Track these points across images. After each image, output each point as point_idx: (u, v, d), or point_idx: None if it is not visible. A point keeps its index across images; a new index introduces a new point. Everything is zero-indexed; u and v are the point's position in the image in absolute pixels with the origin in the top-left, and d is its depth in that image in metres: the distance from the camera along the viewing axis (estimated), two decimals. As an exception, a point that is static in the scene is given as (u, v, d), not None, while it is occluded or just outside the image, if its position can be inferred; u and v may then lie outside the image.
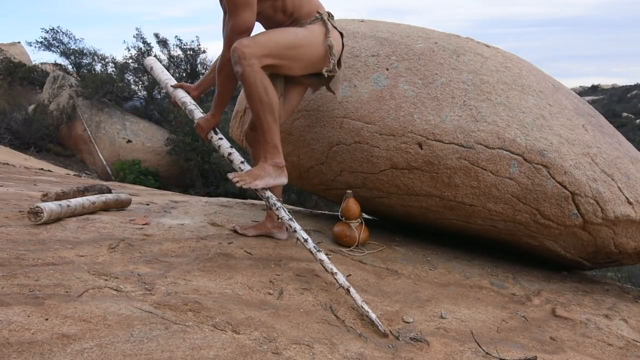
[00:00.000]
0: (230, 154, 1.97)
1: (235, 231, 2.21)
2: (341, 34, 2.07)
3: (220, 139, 2.02)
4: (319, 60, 1.97)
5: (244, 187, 1.84)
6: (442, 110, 2.23)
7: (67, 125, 10.66)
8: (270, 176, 1.87)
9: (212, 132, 2.03)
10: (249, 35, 1.83)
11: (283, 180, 1.93)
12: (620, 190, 2.22)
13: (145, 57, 11.52)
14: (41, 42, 11.75)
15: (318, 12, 1.99)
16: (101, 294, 1.37)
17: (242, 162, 1.94)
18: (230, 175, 1.88)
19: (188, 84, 2.23)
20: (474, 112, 2.21)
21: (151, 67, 2.33)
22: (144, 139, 10.39)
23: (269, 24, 2.00)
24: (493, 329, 1.65)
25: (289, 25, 1.97)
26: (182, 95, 2.17)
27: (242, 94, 2.87)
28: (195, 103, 2.15)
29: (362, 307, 1.53)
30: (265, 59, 1.78)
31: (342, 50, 2.09)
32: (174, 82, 2.23)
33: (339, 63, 2.07)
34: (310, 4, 1.99)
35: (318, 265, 1.91)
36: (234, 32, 1.80)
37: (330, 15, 2.05)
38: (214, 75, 2.02)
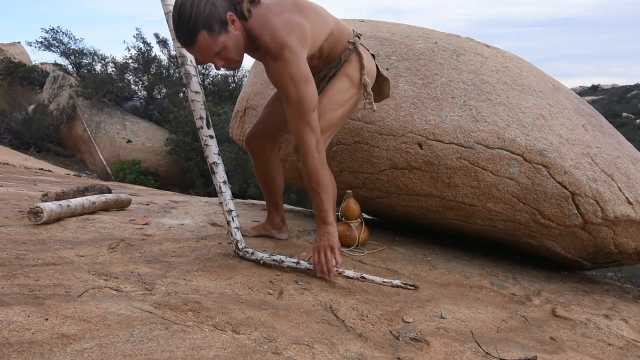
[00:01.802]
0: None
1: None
2: (373, 55, 2.00)
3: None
4: (359, 100, 1.96)
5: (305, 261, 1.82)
6: (442, 110, 2.23)
7: (67, 125, 10.66)
8: (327, 244, 1.78)
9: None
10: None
11: (336, 246, 1.88)
12: (620, 190, 2.22)
13: (145, 57, 11.53)
14: (41, 42, 11.74)
15: (349, 42, 1.89)
16: (101, 294, 1.37)
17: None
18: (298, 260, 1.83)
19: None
20: (474, 112, 2.21)
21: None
22: (144, 139, 10.39)
23: None
24: (493, 329, 1.65)
25: (322, 66, 1.89)
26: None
27: (241, 94, 2.87)
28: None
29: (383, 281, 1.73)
30: (325, 144, 1.83)
31: (377, 71, 2.02)
32: None
33: (378, 78, 2.03)
34: (342, 39, 1.87)
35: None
36: (308, 111, 1.63)
37: (358, 36, 1.94)
38: None
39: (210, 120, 1.85)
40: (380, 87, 2.08)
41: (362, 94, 1.93)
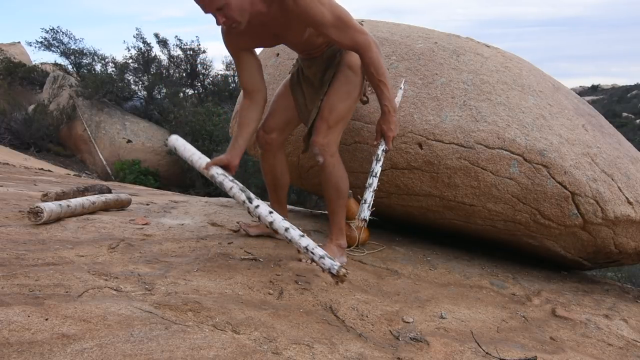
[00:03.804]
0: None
1: (239, 226, 2.24)
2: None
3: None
4: (362, 87, 1.99)
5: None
6: (442, 110, 2.23)
7: (67, 125, 10.66)
8: (337, 257, 1.93)
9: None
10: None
11: (343, 260, 1.98)
12: (620, 190, 2.22)
13: (145, 57, 11.52)
14: (41, 42, 11.74)
15: None
16: (101, 294, 1.37)
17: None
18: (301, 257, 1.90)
19: (220, 157, 1.84)
20: (474, 112, 2.21)
21: (174, 148, 1.91)
22: (144, 139, 10.39)
23: (307, 46, 1.90)
24: (493, 329, 1.65)
25: (325, 47, 1.91)
26: (216, 173, 1.76)
27: (241, 94, 2.87)
28: (231, 178, 1.76)
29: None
30: (339, 138, 1.93)
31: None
32: (205, 160, 1.81)
33: None
34: None
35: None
36: (348, 19, 1.69)
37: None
38: (247, 134, 1.89)
39: (251, 195, 1.67)
40: None
41: (363, 79, 1.95)
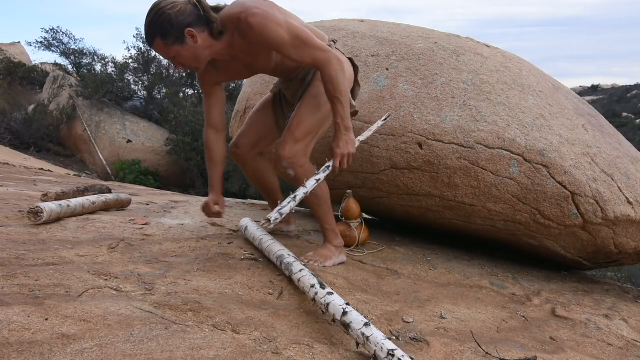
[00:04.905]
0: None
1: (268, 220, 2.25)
2: (350, 59, 1.99)
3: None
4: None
5: (320, 266, 1.90)
6: (442, 110, 2.23)
7: (67, 125, 10.65)
8: (336, 256, 1.98)
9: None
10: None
11: (343, 258, 2.02)
12: (620, 190, 2.22)
13: (145, 57, 11.50)
14: (41, 42, 11.74)
15: None
16: (101, 294, 1.37)
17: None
18: (306, 261, 1.90)
19: (208, 201, 1.99)
20: (474, 112, 2.21)
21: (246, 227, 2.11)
22: (144, 139, 10.38)
23: (281, 71, 1.94)
24: (493, 329, 1.65)
25: (300, 69, 1.93)
26: (287, 254, 1.76)
27: (241, 94, 2.87)
28: (305, 263, 1.76)
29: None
30: (309, 149, 1.89)
31: (357, 73, 2.02)
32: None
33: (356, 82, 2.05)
34: None
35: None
36: (307, 37, 1.70)
37: (333, 41, 1.98)
38: (220, 172, 2.01)
39: (324, 283, 1.51)
40: (352, 90, 2.03)
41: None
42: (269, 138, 2.12)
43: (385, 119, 2.15)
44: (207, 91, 1.95)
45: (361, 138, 1.98)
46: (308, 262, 1.91)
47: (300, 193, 1.60)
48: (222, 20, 1.68)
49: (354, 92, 2.04)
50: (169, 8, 1.61)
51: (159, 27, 1.62)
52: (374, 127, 2.08)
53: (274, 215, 1.46)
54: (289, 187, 2.02)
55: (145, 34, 1.67)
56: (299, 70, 1.94)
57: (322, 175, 1.72)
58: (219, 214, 1.99)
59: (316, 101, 1.88)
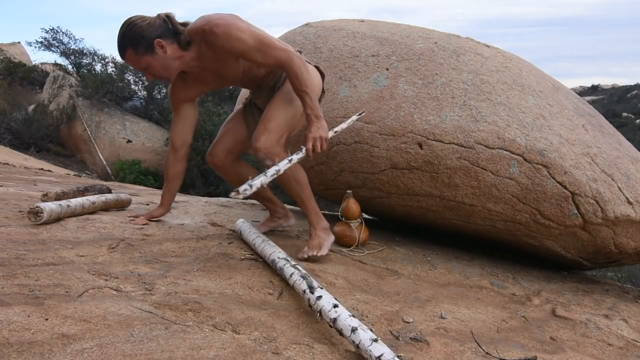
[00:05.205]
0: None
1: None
2: (317, 67, 2.09)
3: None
4: None
5: (318, 254, 1.97)
6: (442, 110, 2.23)
7: (67, 125, 10.65)
8: (326, 240, 2.05)
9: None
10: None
11: (332, 238, 2.10)
12: (620, 190, 2.22)
13: None
14: (41, 42, 11.73)
15: None
16: (101, 294, 1.37)
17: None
18: (305, 255, 1.96)
19: (154, 213, 2.26)
20: (474, 112, 2.21)
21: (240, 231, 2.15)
22: (144, 139, 10.38)
23: (250, 79, 2.02)
24: (493, 329, 1.65)
25: (270, 78, 2.03)
26: (277, 257, 1.75)
27: (241, 94, 2.87)
28: (293, 263, 1.68)
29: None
30: (282, 140, 1.93)
31: (323, 81, 2.11)
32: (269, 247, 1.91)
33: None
34: None
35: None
36: (268, 40, 1.80)
37: (299, 51, 2.05)
38: (174, 189, 2.23)
39: (314, 283, 1.49)
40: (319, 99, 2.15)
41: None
42: (242, 143, 2.18)
43: (360, 115, 2.17)
44: (175, 108, 2.08)
45: (336, 129, 2.02)
46: (308, 258, 1.95)
47: (272, 170, 1.63)
48: (189, 33, 1.79)
49: (320, 100, 2.10)
50: (140, 21, 1.75)
51: (130, 39, 1.75)
52: (349, 121, 2.11)
53: (242, 187, 1.49)
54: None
55: (118, 47, 1.78)
56: (269, 79, 2.03)
57: (294, 157, 1.75)
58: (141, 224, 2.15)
59: (288, 97, 1.94)
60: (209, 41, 1.76)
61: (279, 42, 1.83)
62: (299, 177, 2.02)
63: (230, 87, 11.76)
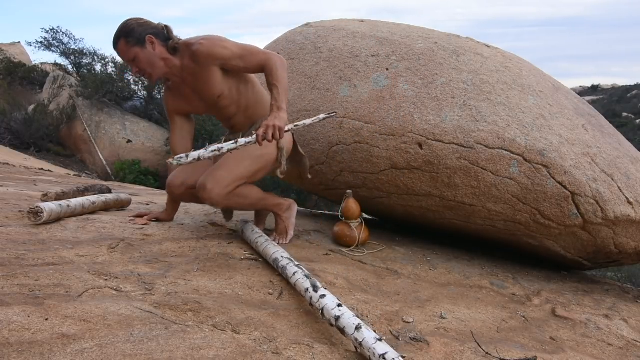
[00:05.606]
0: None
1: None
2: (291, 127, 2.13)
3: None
4: (274, 162, 2.07)
5: (287, 241, 2.16)
6: (442, 110, 2.23)
7: (67, 125, 10.64)
8: (290, 219, 2.19)
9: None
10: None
11: (294, 208, 2.22)
12: (620, 190, 2.22)
13: None
14: (41, 42, 11.72)
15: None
16: (101, 294, 1.37)
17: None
18: (276, 243, 1.98)
19: (159, 214, 2.30)
20: (474, 112, 2.21)
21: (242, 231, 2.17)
22: (144, 139, 10.38)
23: (223, 108, 2.07)
24: (493, 329, 1.65)
25: (242, 121, 2.11)
26: (280, 257, 1.78)
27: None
28: (297, 263, 1.70)
29: None
30: (229, 188, 1.94)
31: (295, 145, 2.20)
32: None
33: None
34: (265, 106, 2.08)
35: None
36: (252, 49, 1.94)
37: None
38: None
39: (317, 283, 1.51)
40: (301, 159, 2.24)
41: (278, 155, 2.05)
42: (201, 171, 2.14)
43: (330, 115, 2.13)
44: (170, 119, 2.15)
45: (297, 123, 1.98)
46: (279, 244, 2.07)
47: (214, 146, 1.72)
48: (178, 43, 1.94)
49: (301, 160, 2.23)
50: (137, 20, 1.94)
51: (125, 30, 1.90)
52: (314, 118, 2.06)
53: (179, 155, 1.64)
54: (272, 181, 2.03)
55: (113, 38, 1.93)
56: (243, 120, 2.10)
57: (242, 140, 1.77)
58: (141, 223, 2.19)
59: (250, 151, 1.95)
60: (193, 54, 1.89)
61: (261, 49, 1.96)
62: (250, 198, 2.04)
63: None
